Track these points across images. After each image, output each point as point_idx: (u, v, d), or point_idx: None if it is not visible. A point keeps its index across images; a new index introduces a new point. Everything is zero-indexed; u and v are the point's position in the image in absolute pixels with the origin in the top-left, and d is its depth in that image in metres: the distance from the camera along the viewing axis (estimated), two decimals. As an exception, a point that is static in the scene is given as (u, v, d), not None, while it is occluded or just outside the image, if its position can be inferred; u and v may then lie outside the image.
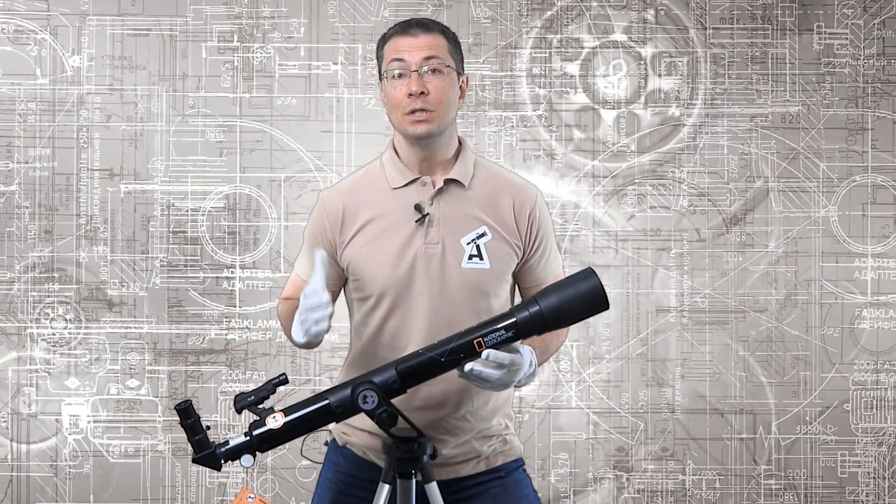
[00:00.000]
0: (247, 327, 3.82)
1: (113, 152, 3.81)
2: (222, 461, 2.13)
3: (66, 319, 3.81)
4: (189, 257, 3.82)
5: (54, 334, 3.80)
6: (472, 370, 2.12)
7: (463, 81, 2.36)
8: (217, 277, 3.83)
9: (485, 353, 2.11)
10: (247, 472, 3.83)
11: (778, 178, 3.84)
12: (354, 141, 3.82)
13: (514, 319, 2.12)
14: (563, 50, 3.84)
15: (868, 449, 3.85)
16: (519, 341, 2.15)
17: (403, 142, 2.35)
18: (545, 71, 3.84)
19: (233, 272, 3.82)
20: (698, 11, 3.84)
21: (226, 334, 3.82)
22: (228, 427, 3.81)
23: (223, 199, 3.83)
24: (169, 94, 3.81)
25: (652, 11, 3.85)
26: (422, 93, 2.27)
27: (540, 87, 3.84)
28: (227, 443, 2.13)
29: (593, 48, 3.84)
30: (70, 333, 3.81)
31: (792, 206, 3.85)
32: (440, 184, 2.34)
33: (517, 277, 2.41)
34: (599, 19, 3.84)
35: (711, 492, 3.85)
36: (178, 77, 3.81)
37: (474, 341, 2.11)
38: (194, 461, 2.13)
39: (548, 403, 3.83)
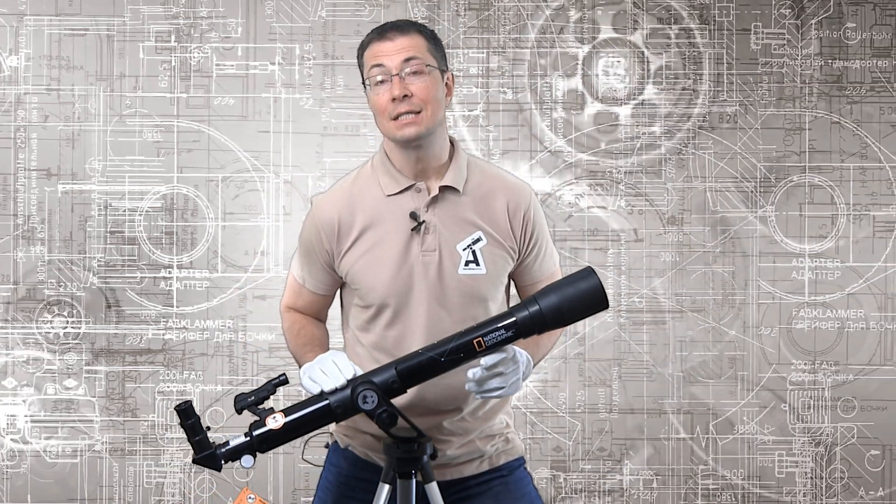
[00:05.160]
0: (184, 327, 3.82)
1: (50, 152, 3.81)
2: (223, 462, 2.12)
3: (3, 319, 3.80)
4: (126, 257, 3.82)
5: (-8, 334, 3.81)
6: (476, 386, 2.14)
7: (448, 78, 2.34)
8: (154, 277, 3.82)
9: (471, 372, 2.12)
10: (184, 472, 3.83)
11: (715, 177, 3.84)
12: (292, 141, 3.82)
13: (513, 319, 2.11)
14: (501, 49, 3.84)
15: (805, 449, 3.84)
16: (510, 343, 2.15)
17: (395, 147, 2.31)
18: (483, 71, 3.84)
19: (170, 272, 3.82)
20: (636, 11, 3.84)
21: (163, 334, 3.82)
22: (166, 427, 3.81)
23: (160, 199, 3.82)
24: (106, 94, 3.81)
25: (590, 11, 3.84)
26: (405, 95, 2.24)
27: (476, 87, 3.84)
28: (227, 443, 2.12)
29: (532, 48, 3.84)
30: (7, 333, 3.80)
31: (729, 205, 3.84)
32: (435, 191, 2.31)
33: (513, 277, 2.41)
34: (538, 18, 3.84)
35: (649, 492, 3.85)
36: (116, 77, 3.81)
37: (474, 341, 2.11)
38: (195, 462, 2.12)
39: (486, 403, 3.82)
